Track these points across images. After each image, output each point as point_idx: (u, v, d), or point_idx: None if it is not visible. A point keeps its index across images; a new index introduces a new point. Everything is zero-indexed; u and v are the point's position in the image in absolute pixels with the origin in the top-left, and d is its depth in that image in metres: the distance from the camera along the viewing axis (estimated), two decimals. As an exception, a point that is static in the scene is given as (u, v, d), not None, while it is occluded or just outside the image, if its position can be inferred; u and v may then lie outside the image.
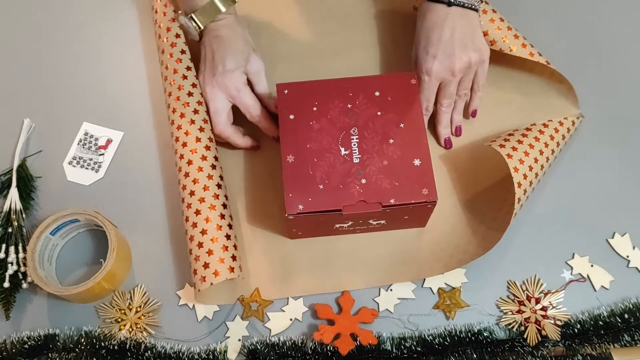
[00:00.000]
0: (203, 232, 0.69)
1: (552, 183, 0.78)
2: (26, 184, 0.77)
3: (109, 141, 0.81)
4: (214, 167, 0.73)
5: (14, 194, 0.76)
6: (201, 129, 0.74)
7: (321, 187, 0.68)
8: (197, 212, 0.70)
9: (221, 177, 0.73)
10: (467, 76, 0.76)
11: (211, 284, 0.67)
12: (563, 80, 0.81)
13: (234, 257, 0.69)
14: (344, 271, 0.74)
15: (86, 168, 0.79)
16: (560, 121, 0.78)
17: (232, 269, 0.68)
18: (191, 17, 0.75)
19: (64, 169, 0.79)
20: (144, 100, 0.83)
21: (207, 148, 0.73)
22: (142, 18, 0.88)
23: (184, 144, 0.73)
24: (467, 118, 0.81)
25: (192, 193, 0.71)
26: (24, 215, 0.76)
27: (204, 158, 0.72)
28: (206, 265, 0.67)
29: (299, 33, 0.87)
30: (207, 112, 0.75)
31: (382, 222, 0.72)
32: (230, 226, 0.71)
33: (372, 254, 0.74)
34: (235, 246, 0.70)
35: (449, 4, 0.74)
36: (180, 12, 0.77)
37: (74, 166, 0.80)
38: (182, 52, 0.78)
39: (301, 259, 0.74)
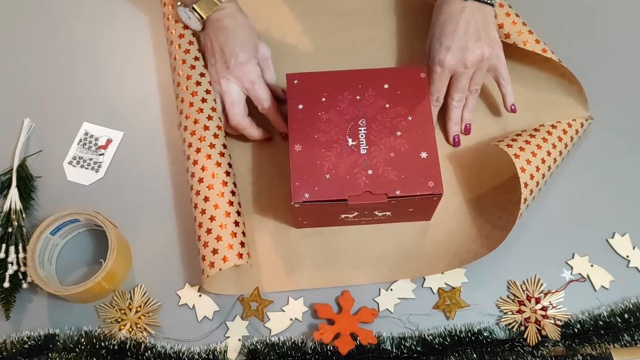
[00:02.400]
0: (212, 218, 0.69)
1: (552, 183, 0.78)
2: (26, 184, 0.77)
3: (109, 141, 0.81)
4: (222, 154, 0.73)
5: (14, 194, 0.76)
6: (209, 117, 0.74)
7: (328, 176, 0.68)
8: (206, 199, 0.70)
9: (230, 165, 0.74)
10: (479, 71, 0.76)
11: (220, 269, 0.67)
12: (574, 81, 0.81)
13: (242, 244, 0.69)
14: (348, 266, 0.74)
15: (86, 168, 0.79)
16: (569, 123, 0.78)
17: (240, 255, 0.68)
18: (193, 9, 0.75)
19: (64, 169, 0.79)
20: (144, 100, 0.83)
21: (216, 136, 0.74)
22: (142, 17, 0.88)
23: (192, 132, 0.73)
24: (500, 115, 0.82)
25: (200, 180, 0.71)
26: (24, 215, 0.76)
27: (212, 146, 0.73)
28: (215, 252, 0.68)
29: (308, 28, 0.87)
30: (222, 104, 0.76)
31: (388, 213, 0.72)
32: (238, 213, 0.71)
33: (376, 250, 0.74)
34: (243, 233, 0.70)
35: None
36: (179, 3, 0.78)
37: (74, 166, 0.80)
38: (190, 42, 0.78)
39: (306, 252, 0.74)
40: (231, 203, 0.71)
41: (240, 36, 0.75)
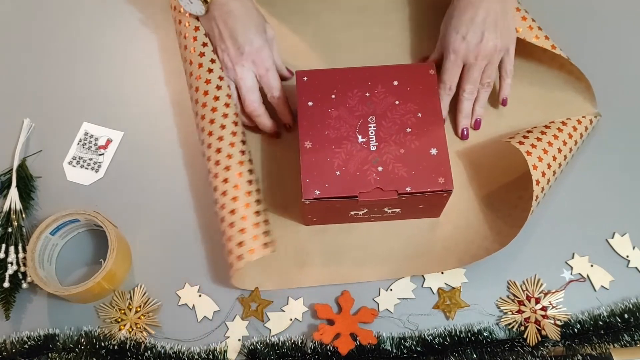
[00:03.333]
0: (232, 212, 0.69)
1: (551, 183, 0.78)
2: (26, 184, 0.77)
3: (109, 141, 0.81)
4: (232, 144, 0.73)
5: (14, 194, 0.76)
6: (226, 105, 0.74)
7: (338, 173, 0.68)
8: (224, 194, 0.70)
9: (242, 153, 0.73)
10: (491, 64, 0.76)
11: (248, 261, 0.67)
12: (581, 79, 0.81)
13: (266, 233, 0.70)
14: (357, 263, 0.74)
15: (86, 168, 0.79)
16: (579, 119, 0.78)
17: (266, 245, 0.69)
18: None
19: (64, 169, 0.79)
20: (144, 99, 0.83)
21: (235, 124, 0.74)
22: (142, 17, 0.88)
23: (212, 121, 0.73)
24: (497, 107, 0.82)
25: (215, 175, 0.71)
26: (23, 215, 0.76)
27: (222, 139, 0.72)
28: (240, 244, 0.68)
29: (318, 25, 0.87)
30: (237, 91, 0.76)
31: (397, 210, 0.72)
32: (258, 202, 0.71)
33: (385, 247, 0.75)
34: (266, 221, 0.71)
35: None
36: None
37: (74, 166, 0.80)
38: (196, 28, 0.78)
39: (315, 249, 0.75)
40: (249, 193, 0.71)
41: (250, 20, 0.74)
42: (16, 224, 0.74)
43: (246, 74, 0.75)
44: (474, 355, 0.68)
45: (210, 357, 0.69)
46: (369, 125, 0.70)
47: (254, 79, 0.76)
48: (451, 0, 0.79)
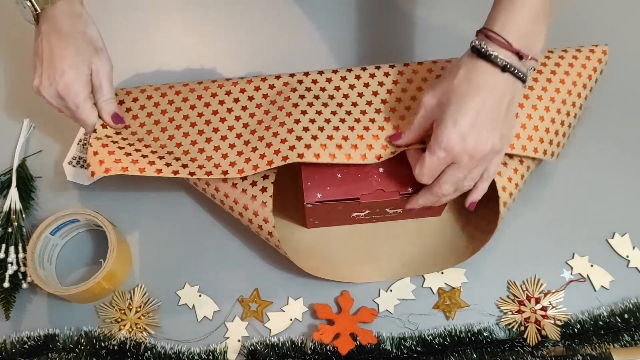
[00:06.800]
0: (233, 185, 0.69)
1: (551, 183, 0.78)
2: (26, 184, 0.77)
3: (109, 141, 0.81)
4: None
5: (13, 194, 0.76)
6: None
7: (339, 175, 0.68)
8: (217, 190, 0.70)
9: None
10: (478, 167, 0.63)
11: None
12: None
13: (239, 152, 0.68)
14: (359, 263, 0.74)
15: (86, 168, 0.79)
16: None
17: (248, 160, 0.67)
18: None
19: (64, 169, 0.79)
20: (144, 100, 0.83)
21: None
22: (141, 16, 0.88)
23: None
24: (466, 206, 0.68)
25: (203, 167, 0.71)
26: (23, 215, 0.76)
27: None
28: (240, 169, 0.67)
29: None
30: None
31: (399, 210, 0.72)
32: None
33: (388, 247, 0.75)
34: (245, 142, 0.69)
35: (503, 69, 0.59)
36: None
37: (74, 166, 0.80)
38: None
39: (316, 250, 0.74)
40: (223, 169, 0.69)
41: (73, 47, 0.67)
42: (16, 224, 0.74)
43: (54, 102, 0.69)
44: (474, 355, 0.68)
45: (210, 357, 0.69)
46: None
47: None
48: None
